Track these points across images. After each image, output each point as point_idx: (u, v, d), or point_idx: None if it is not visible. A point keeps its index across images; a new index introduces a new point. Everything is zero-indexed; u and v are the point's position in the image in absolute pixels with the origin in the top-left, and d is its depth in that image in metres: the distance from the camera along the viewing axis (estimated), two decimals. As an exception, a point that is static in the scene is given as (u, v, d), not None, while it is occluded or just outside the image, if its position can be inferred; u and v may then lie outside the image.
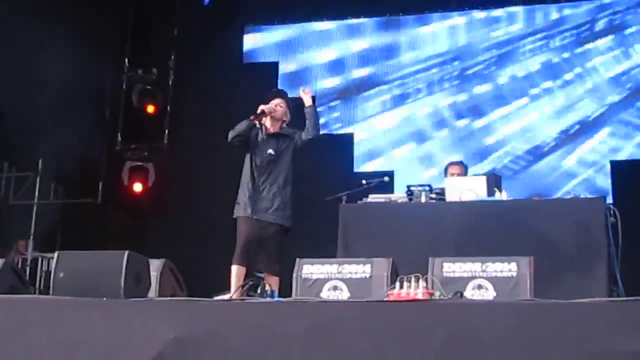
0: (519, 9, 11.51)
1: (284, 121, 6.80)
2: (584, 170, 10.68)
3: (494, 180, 6.83)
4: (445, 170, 7.91)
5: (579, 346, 4.00)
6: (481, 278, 4.95)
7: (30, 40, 10.14)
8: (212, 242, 9.77)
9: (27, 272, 10.70)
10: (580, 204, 6.72)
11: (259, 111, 6.65)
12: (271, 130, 6.72)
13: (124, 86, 12.23)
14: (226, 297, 5.91)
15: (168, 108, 12.22)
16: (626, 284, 6.14)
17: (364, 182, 7.32)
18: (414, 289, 4.59)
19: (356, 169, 11.43)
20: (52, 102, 10.87)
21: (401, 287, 4.63)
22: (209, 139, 10.37)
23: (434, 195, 6.80)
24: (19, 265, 10.38)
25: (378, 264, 5.14)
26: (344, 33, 12.07)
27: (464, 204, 6.55)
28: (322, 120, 11.18)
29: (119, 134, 12.22)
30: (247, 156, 6.69)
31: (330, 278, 5.15)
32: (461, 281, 4.95)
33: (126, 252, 5.27)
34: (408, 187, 7.02)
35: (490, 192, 6.62)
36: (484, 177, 6.82)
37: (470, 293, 4.90)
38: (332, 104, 11.86)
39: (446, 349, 4.18)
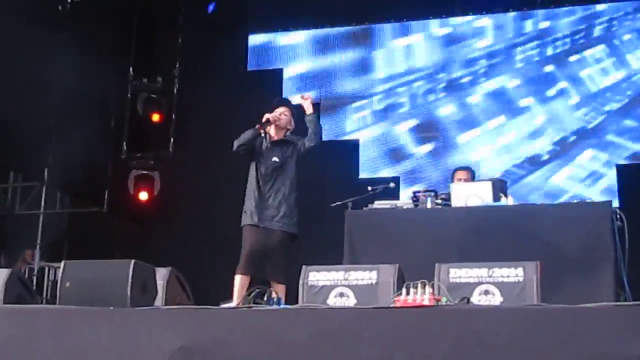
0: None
1: (288, 129, 6.81)
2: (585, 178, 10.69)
3: (500, 186, 6.82)
4: (452, 175, 7.89)
5: (587, 351, 3.99)
6: (488, 283, 4.93)
7: (35, 50, 10.18)
8: (218, 250, 9.76)
9: (34, 282, 10.74)
10: (587, 208, 6.72)
11: (263, 120, 6.65)
12: (275, 138, 6.73)
13: (129, 95, 12.24)
14: (233, 305, 5.91)
15: (173, 116, 12.23)
16: (633, 288, 6.12)
17: (369, 188, 7.31)
18: (420, 295, 4.58)
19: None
20: (57, 111, 10.91)
21: (407, 293, 4.62)
22: (214, 147, 10.39)
23: (439, 201, 6.80)
24: (26, 275, 10.42)
25: (384, 271, 5.13)
26: (350, 39, 12.08)
27: (470, 210, 6.54)
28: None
29: (125, 143, 12.22)
30: (252, 165, 6.69)
31: (336, 285, 5.15)
32: (468, 287, 4.94)
33: (132, 261, 5.27)
34: (414, 193, 7.02)
35: (496, 197, 6.60)
36: (490, 182, 6.80)
37: (476, 299, 4.89)
38: (339, 109, 11.88)
39: (453, 354, 4.17)
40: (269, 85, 11.62)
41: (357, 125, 11.78)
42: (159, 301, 5.68)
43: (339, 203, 7.04)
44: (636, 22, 11.05)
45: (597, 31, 11.19)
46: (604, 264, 6.04)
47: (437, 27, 11.79)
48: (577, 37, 11.24)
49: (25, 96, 10.05)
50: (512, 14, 11.54)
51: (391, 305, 4.66)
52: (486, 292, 4.92)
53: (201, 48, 12.03)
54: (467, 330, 4.23)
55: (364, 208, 6.93)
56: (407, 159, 11.40)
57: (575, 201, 8.87)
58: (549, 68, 11.24)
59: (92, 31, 11.03)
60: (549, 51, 11.29)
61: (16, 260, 11.32)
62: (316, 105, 6.83)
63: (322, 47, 12.14)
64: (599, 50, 11.12)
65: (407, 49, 11.83)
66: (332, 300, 5.09)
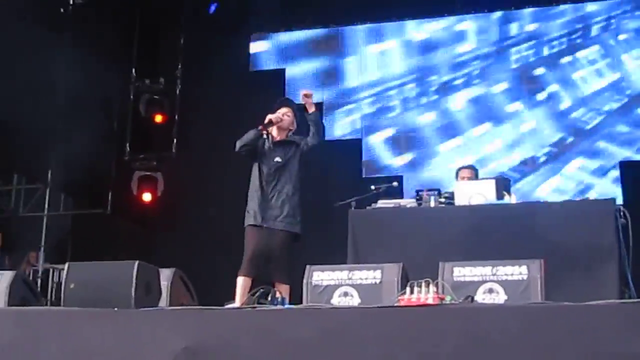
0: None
1: (290, 130, 6.79)
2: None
3: (503, 184, 6.81)
4: (457, 174, 7.89)
5: (591, 349, 3.99)
6: (492, 282, 4.93)
7: (38, 52, 10.19)
8: (222, 250, 9.75)
9: (39, 284, 10.75)
10: (590, 206, 6.71)
11: (266, 121, 6.64)
12: (277, 138, 6.72)
13: (132, 96, 12.25)
14: (237, 305, 5.91)
15: (176, 117, 12.25)
16: (638, 285, 6.11)
17: (373, 187, 7.30)
18: (424, 294, 4.58)
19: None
20: (60, 113, 10.92)
21: (412, 292, 4.63)
22: (217, 148, 10.38)
23: (443, 200, 6.79)
24: (30, 277, 10.43)
25: (388, 270, 5.13)
26: (354, 37, 12.08)
27: (473, 208, 6.53)
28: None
29: (128, 144, 12.24)
30: (255, 165, 6.68)
31: (340, 284, 5.15)
32: (472, 285, 4.94)
33: (136, 262, 5.26)
34: (417, 191, 7.01)
35: (500, 196, 6.59)
36: (493, 181, 6.79)
37: (481, 297, 4.89)
38: (342, 109, 11.88)
39: (457, 353, 4.17)
40: (271, 86, 11.62)
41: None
42: (163, 302, 5.68)
43: (342, 203, 7.04)
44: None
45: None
46: (608, 261, 6.03)
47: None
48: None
49: (28, 98, 10.07)
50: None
51: (395, 305, 4.66)
52: (490, 291, 4.91)
53: (203, 49, 12.04)
54: (471, 329, 4.23)
55: (368, 207, 6.93)
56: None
57: (578, 199, 8.87)
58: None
59: (95, 33, 11.04)
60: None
61: (20, 262, 11.34)
62: (319, 104, 6.79)
63: (325, 47, 12.15)
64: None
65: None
66: (337, 300, 5.09)
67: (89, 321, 4.85)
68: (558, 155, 10.84)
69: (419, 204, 6.83)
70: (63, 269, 5.59)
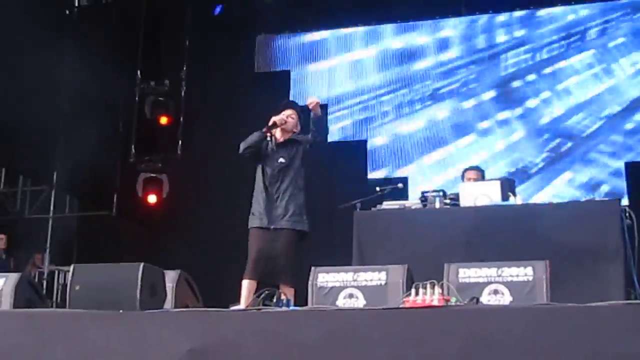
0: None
1: (294, 132, 6.78)
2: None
3: (508, 185, 6.80)
4: (463, 175, 7.88)
5: (597, 350, 3.98)
6: (497, 283, 4.93)
7: (43, 55, 10.22)
8: (227, 252, 9.72)
9: (44, 286, 10.78)
10: (595, 207, 6.69)
11: (270, 123, 6.62)
12: (281, 140, 6.70)
13: (137, 98, 12.27)
14: (242, 307, 5.90)
15: (181, 119, 12.26)
16: (644, 286, 6.10)
17: (378, 189, 7.30)
18: (429, 296, 4.57)
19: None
20: (65, 115, 10.95)
21: (417, 293, 4.61)
22: (222, 149, 10.36)
23: (448, 201, 6.78)
24: (36, 279, 10.45)
25: (393, 271, 5.12)
26: (358, 40, 12.08)
27: (479, 209, 6.52)
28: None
29: (133, 146, 12.25)
30: (258, 167, 6.67)
31: (345, 286, 5.15)
32: (477, 287, 4.94)
33: (141, 264, 5.26)
34: (422, 193, 7.01)
35: (505, 197, 6.59)
36: (498, 182, 6.78)
37: (486, 298, 4.88)
38: (344, 112, 11.87)
39: (463, 355, 4.16)
40: (276, 87, 11.64)
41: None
42: (168, 304, 5.68)
43: (347, 204, 7.03)
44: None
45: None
46: (614, 262, 6.02)
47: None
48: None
49: (33, 100, 10.10)
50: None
51: (400, 306, 4.66)
52: (495, 292, 4.91)
53: (208, 50, 12.04)
54: (476, 331, 4.22)
55: (373, 209, 6.92)
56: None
57: (584, 199, 8.85)
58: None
59: (100, 35, 11.08)
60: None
61: (26, 264, 11.36)
62: (323, 106, 6.78)
63: (332, 47, 12.16)
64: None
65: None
66: (342, 302, 5.09)
67: (94, 323, 4.85)
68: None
69: (424, 206, 6.83)
70: (68, 271, 5.59)
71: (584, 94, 10.92)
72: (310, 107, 6.63)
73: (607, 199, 8.51)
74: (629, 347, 3.92)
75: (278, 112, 6.72)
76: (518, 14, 11.46)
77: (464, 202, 6.65)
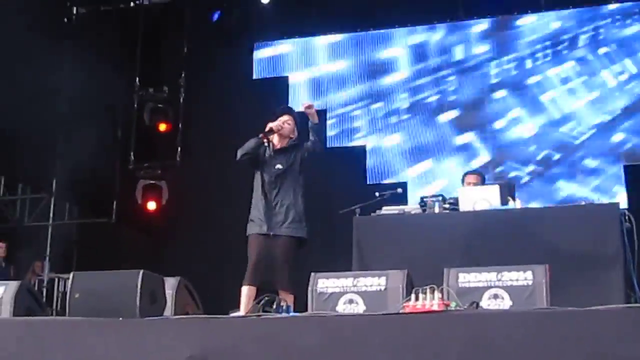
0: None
1: (291, 138, 6.77)
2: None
3: (508, 189, 6.80)
4: (463, 179, 7.88)
5: (597, 353, 3.98)
6: (497, 287, 4.92)
7: (42, 62, 10.23)
8: (227, 258, 9.73)
9: (44, 293, 10.76)
10: (595, 210, 6.68)
11: (267, 129, 6.62)
12: (278, 146, 6.70)
13: (136, 105, 12.28)
14: (242, 314, 5.90)
15: (180, 126, 12.26)
16: (644, 289, 6.10)
17: (377, 194, 7.30)
18: (429, 301, 4.57)
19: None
20: (64, 122, 10.96)
21: (417, 298, 4.61)
22: (221, 156, 10.32)
23: (447, 206, 6.77)
24: (36, 287, 10.44)
25: (393, 276, 5.12)
26: (354, 45, 12.09)
27: (478, 214, 6.52)
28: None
29: (132, 153, 12.25)
30: (257, 174, 6.66)
31: (345, 291, 5.14)
32: (477, 291, 4.93)
33: (141, 271, 5.26)
34: (421, 198, 7.00)
35: (504, 201, 6.58)
36: (497, 186, 6.77)
37: (486, 303, 4.88)
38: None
39: (463, 359, 4.16)
40: (275, 94, 11.64)
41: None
42: (168, 311, 5.68)
43: (347, 210, 7.03)
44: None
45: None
46: (613, 265, 6.01)
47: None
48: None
49: (32, 107, 10.11)
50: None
51: (400, 311, 4.65)
52: (495, 296, 4.91)
53: (207, 57, 12.06)
54: (476, 335, 4.22)
55: (372, 214, 6.92)
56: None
57: (583, 203, 8.84)
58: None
59: (99, 42, 11.08)
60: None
61: (26, 271, 11.36)
62: (321, 113, 6.78)
63: (327, 53, 12.17)
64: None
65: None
66: (342, 307, 5.09)
67: (94, 331, 4.85)
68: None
69: (424, 210, 6.82)
70: (68, 279, 5.59)
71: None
72: (306, 113, 6.62)
73: (606, 202, 8.49)
74: (629, 351, 3.92)
75: (275, 118, 6.71)
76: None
77: (464, 206, 6.65)
